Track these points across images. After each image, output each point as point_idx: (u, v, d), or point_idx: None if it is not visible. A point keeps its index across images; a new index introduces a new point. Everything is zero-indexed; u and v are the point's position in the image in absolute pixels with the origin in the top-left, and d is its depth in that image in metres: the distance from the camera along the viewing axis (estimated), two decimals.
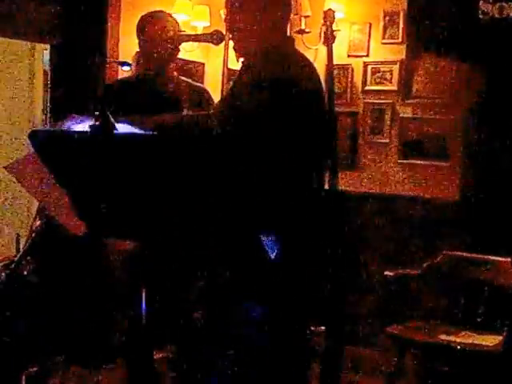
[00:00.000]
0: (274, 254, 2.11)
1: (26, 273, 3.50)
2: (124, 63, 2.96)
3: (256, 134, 2.10)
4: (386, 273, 3.91)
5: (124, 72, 3.26)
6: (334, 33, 4.60)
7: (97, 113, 1.88)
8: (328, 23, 3.93)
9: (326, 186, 2.44)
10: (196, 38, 2.94)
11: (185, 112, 3.17)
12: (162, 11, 3.31)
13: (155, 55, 3.14)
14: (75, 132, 1.98)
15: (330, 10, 4.21)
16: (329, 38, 3.28)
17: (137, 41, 3.32)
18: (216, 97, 4.80)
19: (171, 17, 3.28)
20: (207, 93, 3.38)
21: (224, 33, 2.67)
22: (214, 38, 2.71)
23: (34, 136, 2.04)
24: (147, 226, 1.98)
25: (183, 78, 3.34)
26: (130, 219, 1.99)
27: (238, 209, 2.01)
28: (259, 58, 2.33)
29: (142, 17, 3.31)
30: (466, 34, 1.91)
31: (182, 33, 2.97)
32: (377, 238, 4.50)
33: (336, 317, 2.63)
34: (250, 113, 2.12)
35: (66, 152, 1.96)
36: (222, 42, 2.68)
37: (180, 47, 3.20)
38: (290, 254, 2.18)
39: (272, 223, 2.16)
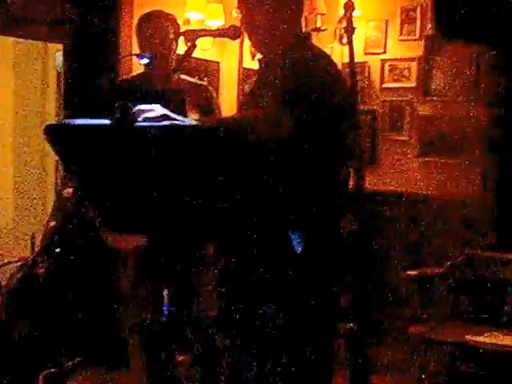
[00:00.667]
0: (301, 248, 2.10)
1: (41, 272, 3.49)
2: (142, 55, 2.91)
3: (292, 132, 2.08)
4: (408, 272, 3.85)
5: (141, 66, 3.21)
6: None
7: (117, 105, 1.83)
8: (348, 14, 3.90)
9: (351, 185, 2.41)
10: (212, 33, 2.89)
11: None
12: (158, 10, 3.27)
13: (154, 55, 3.08)
14: (93, 124, 1.94)
15: (349, 1, 4.19)
16: (349, 31, 3.24)
17: None
18: (231, 94, 4.80)
19: (170, 15, 3.24)
20: (209, 90, 3.34)
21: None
22: (231, 32, 2.66)
23: (49, 129, 1.98)
24: (170, 220, 1.94)
25: (184, 76, 3.29)
26: (150, 214, 1.94)
27: (267, 204, 1.97)
28: (285, 55, 2.30)
29: (140, 17, 3.29)
30: (497, 19, 1.87)
31: (199, 28, 2.91)
32: (397, 237, 4.45)
33: (362, 314, 2.59)
34: (296, 112, 2.10)
35: (83, 145, 1.91)
36: (239, 36, 2.62)
37: (196, 44, 3.16)
38: (316, 250, 2.16)
39: (299, 219, 2.13)
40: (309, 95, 2.14)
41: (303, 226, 2.13)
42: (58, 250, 3.37)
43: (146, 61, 2.98)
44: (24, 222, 6.21)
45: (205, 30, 2.92)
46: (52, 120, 6.42)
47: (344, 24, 4.51)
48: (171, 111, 2.04)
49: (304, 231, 2.11)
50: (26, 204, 6.30)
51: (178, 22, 3.24)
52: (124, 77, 3.56)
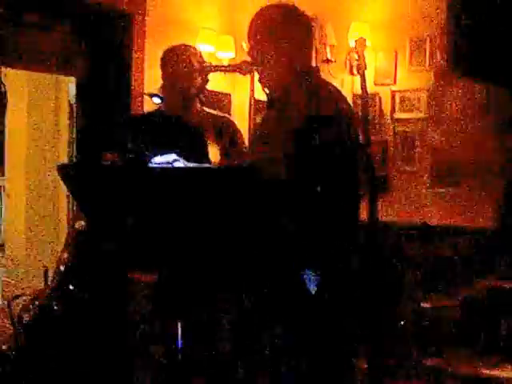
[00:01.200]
0: (314, 288, 2.13)
1: (56, 307, 3.51)
2: (155, 95, 2.96)
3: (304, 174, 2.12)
4: (422, 304, 3.85)
5: (154, 104, 3.25)
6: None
7: (130, 146, 1.88)
8: (360, 51, 3.93)
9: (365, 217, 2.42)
10: (224, 69, 2.94)
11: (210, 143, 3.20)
12: (184, 44, 3.32)
13: (179, 89, 3.14)
14: (106, 165, 2.06)
15: (361, 38, 4.22)
16: (361, 67, 3.27)
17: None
18: (243, 127, 4.84)
19: (194, 49, 3.29)
20: (233, 124, 3.37)
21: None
22: (242, 67, 2.70)
23: (62, 169, 2.04)
24: (185, 258, 1.97)
25: (208, 109, 3.33)
26: (163, 251, 1.98)
27: (282, 245, 1.99)
28: (295, 92, 2.32)
29: (165, 51, 3.31)
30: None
31: (210, 63, 2.96)
32: (411, 267, 4.45)
33: (375, 348, 2.60)
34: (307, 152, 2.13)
35: (97, 184, 1.96)
36: (250, 72, 2.66)
37: (208, 78, 3.20)
38: (330, 288, 2.19)
39: (313, 259, 2.16)
40: (322, 134, 2.17)
41: (317, 265, 2.16)
42: (71, 286, 3.38)
43: (158, 100, 3.03)
44: (36, 253, 6.27)
45: (217, 65, 2.98)
46: (64, 151, 6.52)
47: (354, 56, 4.58)
48: (191, 146, 2.10)
49: (318, 271, 2.14)
50: (37, 235, 6.36)
51: (202, 56, 3.27)
52: (145, 111, 3.62)
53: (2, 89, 2.86)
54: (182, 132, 3.08)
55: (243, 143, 3.34)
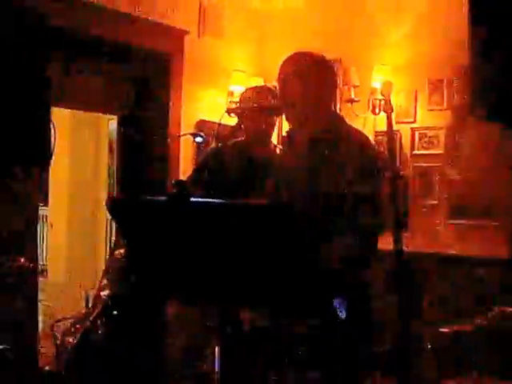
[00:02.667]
0: (344, 314, 2.29)
1: (99, 332, 3.68)
2: (197, 135, 3.17)
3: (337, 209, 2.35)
4: (440, 329, 3.98)
5: (197, 143, 3.42)
6: (382, 102, 4.90)
7: (174, 182, 2.04)
8: (386, 93, 4.20)
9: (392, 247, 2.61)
10: (261, 109, 3.14)
11: None
12: (264, 86, 3.61)
13: (258, 127, 3.32)
14: (152, 199, 2.12)
15: (388, 81, 4.49)
16: (388, 107, 3.52)
17: (197, 110, 3.49)
18: None
19: (274, 91, 3.39)
20: None
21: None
22: (276, 108, 2.91)
23: (111, 202, 2.22)
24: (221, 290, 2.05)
25: (279, 145, 3.50)
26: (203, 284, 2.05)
27: (314, 274, 2.14)
28: (332, 135, 2.56)
29: (247, 89, 3.60)
30: None
31: (252, 105, 3.18)
32: (428, 297, 4.60)
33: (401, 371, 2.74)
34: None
35: (143, 218, 2.09)
36: (282, 113, 2.87)
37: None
38: (358, 313, 2.37)
39: (342, 286, 2.34)
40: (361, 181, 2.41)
41: (346, 292, 2.31)
42: (115, 312, 3.53)
43: (200, 139, 3.19)
44: (75, 278, 6.54)
45: (254, 106, 3.18)
46: (104, 184, 6.81)
47: (378, 96, 4.86)
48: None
49: (347, 297, 2.29)
50: (77, 262, 6.64)
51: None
52: (218, 145, 3.80)
53: (52, 128, 3.14)
54: (257, 166, 3.22)
55: None
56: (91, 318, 3.61)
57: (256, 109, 3.14)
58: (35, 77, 2.76)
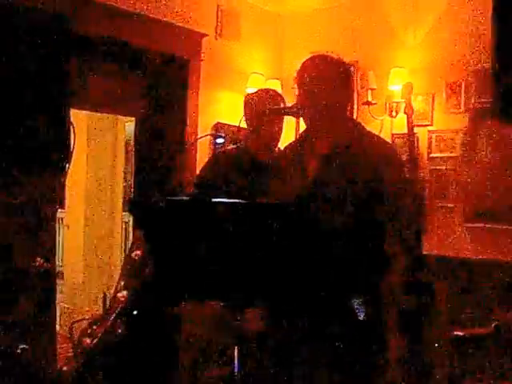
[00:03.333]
0: (363, 315, 2.33)
1: (119, 332, 3.69)
2: (218, 135, 3.18)
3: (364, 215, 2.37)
4: (455, 332, 3.98)
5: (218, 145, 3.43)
6: (399, 104, 4.90)
7: (195, 182, 2.06)
8: (406, 96, 4.18)
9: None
10: (278, 112, 3.13)
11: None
12: (266, 89, 3.54)
13: (262, 130, 3.28)
14: (175, 200, 2.17)
15: (408, 83, 4.46)
16: (408, 110, 3.50)
17: (215, 112, 3.50)
18: None
19: (279, 96, 3.43)
20: None
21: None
22: (295, 111, 2.91)
23: (134, 205, 2.29)
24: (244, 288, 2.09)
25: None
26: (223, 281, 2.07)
27: (334, 276, 2.19)
28: (354, 141, 2.58)
29: (248, 94, 3.56)
30: None
31: (268, 107, 3.17)
32: (444, 301, 4.59)
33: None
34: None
35: (166, 219, 2.10)
36: (302, 116, 2.86)
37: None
38: (377, 315, 2.38)
39: (361, 287, 2.36)
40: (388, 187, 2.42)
41: (366, 292, 2.35)
42: (135, 312, 3.56)
43: (221, 140, 3.20)
44: (92, 280, 6.59)
45: (271, 109, 3.18)
46: (120, 185, 6.85)
47: (394, 99, 4.83)
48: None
49: (367, 298, 2.33)
50: (94, 263, 6.68)
51: (284, 101, 3.47)
52: (224, 149, 3.78)
53: (71, 130, 3.15)
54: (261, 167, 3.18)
55: None
56: (110, 320, 3.61)
57: (275, 111, 3.14)
58: (57, 78, 2.79)
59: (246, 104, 3.40)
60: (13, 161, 2.91)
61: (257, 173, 3.11)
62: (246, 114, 3.38)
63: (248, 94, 3.55)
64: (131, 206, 2.21)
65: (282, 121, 3.34)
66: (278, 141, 3.41)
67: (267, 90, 3.50)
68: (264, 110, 3.05)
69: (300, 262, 1.95)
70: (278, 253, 1.93)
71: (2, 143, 2.76)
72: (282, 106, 3.27)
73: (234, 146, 3.44)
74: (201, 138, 4.00)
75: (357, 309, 2.31)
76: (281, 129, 3.38)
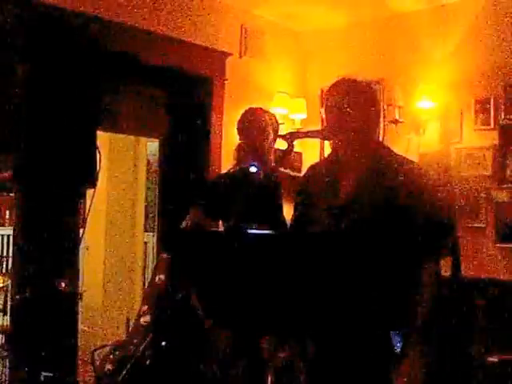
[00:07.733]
0: (400, 347, 2.26)
1: (146, 361, 3.62)
2: (253, 165, 3.14)
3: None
4: (489, 358, 3.90)
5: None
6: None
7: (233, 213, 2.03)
8: None
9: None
10: (308, 135, 3.10)
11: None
12: (257, 108, 3.54)
13: (253, 146, 3.34)
14: (212, 232, 2.18)
15: None
16: None
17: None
18: None
19: (269, 113, 3.50)
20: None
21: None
22: (324, 134, 2.87)
23: (174, 235, 2.23)
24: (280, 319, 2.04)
25: (282, 169, 3.48)
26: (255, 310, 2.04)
27: (373, 309, 2.14)
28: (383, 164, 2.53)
29: (244, 111, 3.56)
30: None
31: (297, 130, 3.15)
32: (477, 323, 4.50)
33: None
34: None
35: (204, 250, 2.10)
36: (331, 138, 2.81)
37: (294, 144, 3.37)
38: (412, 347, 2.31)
39: (398, 320, 2.31)
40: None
41: (403, 325, 2.29)
42: (164, 343, 3.50)
43: (254, 169, 3.17)
44: (112, 303, 6.52)
45: (301, 132, 3.15)
46: (141, 206, 6.80)
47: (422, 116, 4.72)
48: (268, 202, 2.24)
49: (404, 330, 2.27)
50: (114, 286, 6.61)
51: (277, 120, 3.49)
52: (223, 172, 3.78)
53: (98, 153, 3.11)
54: (255, 189, 3.25)
55: None
56: (140, 349, 3.53)
57: (304, 135, 3.10)
58: (88, 99, 2.75)
59: (245, 121, 3.45)
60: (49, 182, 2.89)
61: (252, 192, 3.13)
62: (242, 126, 3.46)
63: (247, 109, 3.55)
64: (166, 236, 2.15)
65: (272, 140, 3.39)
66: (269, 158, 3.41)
67: (264, 110, 3.53)
68: (293, 133, 3.04)
69: (340, 289, 1.93)
70: (329, 283, 1.90)
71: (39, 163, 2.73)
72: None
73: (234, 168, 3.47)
74: (234, 167, 3.95)
75: (394, 339, 2.27)
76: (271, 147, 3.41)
